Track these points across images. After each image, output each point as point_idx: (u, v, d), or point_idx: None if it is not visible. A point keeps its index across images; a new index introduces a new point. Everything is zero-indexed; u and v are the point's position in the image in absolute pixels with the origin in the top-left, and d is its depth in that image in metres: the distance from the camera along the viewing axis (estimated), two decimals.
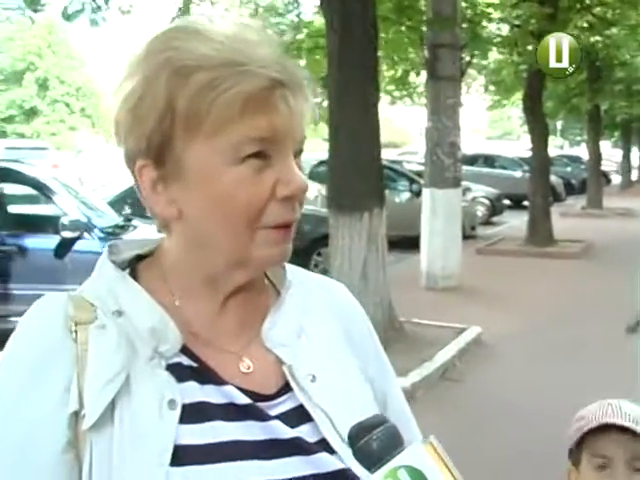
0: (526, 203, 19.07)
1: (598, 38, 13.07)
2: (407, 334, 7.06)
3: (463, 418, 5.47)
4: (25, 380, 0.88)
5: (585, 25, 13.45)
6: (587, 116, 20.23)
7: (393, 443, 0.81)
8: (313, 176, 14.54)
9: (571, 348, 7.04)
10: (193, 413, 0.88)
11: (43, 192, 7.43)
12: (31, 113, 49.26)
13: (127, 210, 8.93)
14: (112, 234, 7.24)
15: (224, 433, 0.89)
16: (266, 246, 0.91)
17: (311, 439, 0.92)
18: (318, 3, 11.37)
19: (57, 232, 6.94)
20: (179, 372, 0.90)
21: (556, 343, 7.23)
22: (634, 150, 31.35)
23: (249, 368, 0.95)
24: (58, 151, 26.65)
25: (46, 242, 7.08)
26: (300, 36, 10.81)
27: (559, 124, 31.32)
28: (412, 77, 14.09)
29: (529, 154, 13.67)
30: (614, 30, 13.13)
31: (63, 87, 50.86)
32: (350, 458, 0.86)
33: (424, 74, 14.40)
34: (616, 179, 30.82)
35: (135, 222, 7.90)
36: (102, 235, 7.09)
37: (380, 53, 7.94)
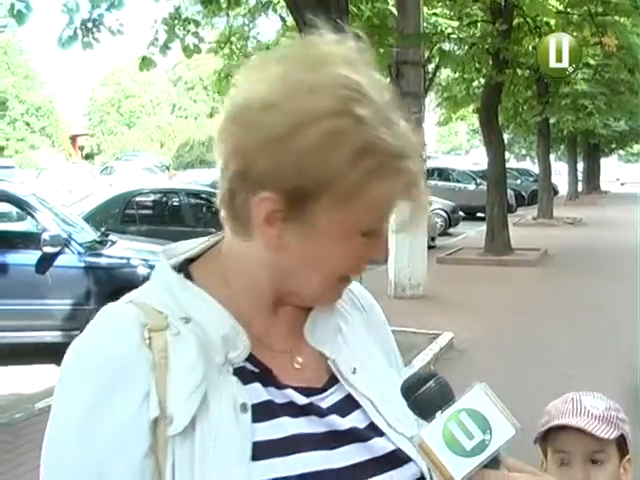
0: (480, 214, 19.60)
1: None
2: None
3: None
4: (106, 387, 0.89)
5: (534, 44, 14.01)
6: (537, 130, 20.92)
7: (447, 391, 0.90)
8: None
9: (536, 349, 7.37)
10: (262, 412, 0.93)
11: (24, 209, 7.47)
12: None
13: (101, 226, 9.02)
14: (91, 249, 7.32)
15: (291, 428, 0.95)
16: (333, 293, 1.01)
17: (361, 425, 1.00)
18: (285, 22, 11.67)
19: (38, 248, 6.97)
20: (244, 375, 0.94)
21: (522, 345, 7.56)
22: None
23: (300, 365, 1.02)
24: (21, 169, 26.37)
25: (27, 258, 7.09)
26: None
27: (505, 138, 32.18)
28: None
29: (478, 167, 14.00)
30: None
31: (22, 106, 50.37)
32: (397, 438, 1.00)
33: None
34: (562, 191, 31.75)
35: (112, 237, 8.01)
36: (82, 250, 7.15)
37: None
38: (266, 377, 0.97)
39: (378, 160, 0.89)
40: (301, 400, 0.97)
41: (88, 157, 53.85)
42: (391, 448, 0.99)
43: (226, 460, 0.89)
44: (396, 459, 0.99)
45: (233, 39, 12.02)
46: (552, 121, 20.22)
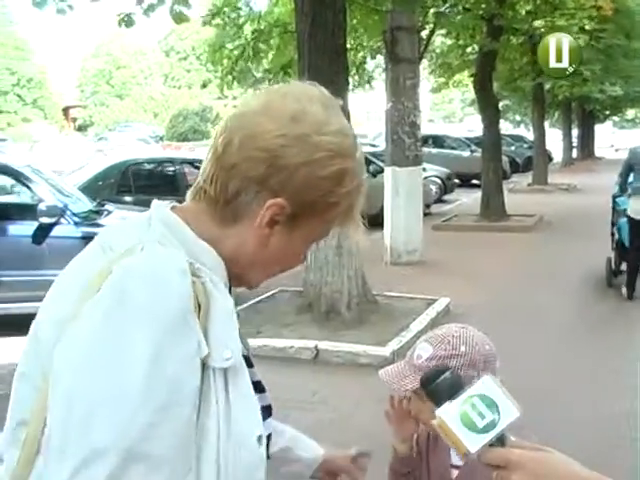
0: (475, 182, 19.59)
1: (542, 22, 13.51)
2: (381, 306, 7.33)
3: None
4: (176, 325, 0.97)
5: (529, 9, 13.90)
6: (532, 96, 20.84)
7: (460, 381, 1.07)
8: None
9: (530, 312, 7.47)
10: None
11: (19, 180, 7.45)
12: None
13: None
14: (87, 219, 7.33)
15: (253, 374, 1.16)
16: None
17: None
18: None
19: (34, 218, 6.98)
20: None
21: (516, 309, 7.64)
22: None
23: None
24: (14, 142, 26.20)
25: (24, 229, 7.11)
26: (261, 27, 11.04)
27: (500, 105, 31.94)
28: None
29: (472, 135, 13.91)
30: (556, 14, 13.59)
31: (13, 78, 49.61)
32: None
33: (378, 58, 14.67)
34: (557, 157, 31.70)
35: (108, 207, 8.01)
36: (78, 220, 7.16)
37: None
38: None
39: (358, 197, 1.14)
40: (244, 352, 1.13)
41: (81, 129, 53.46)
42: (269, 402, 1.21)
43: (249, 392, 1.07)
44: (270, 411, 1.22)
45: (225, 9, 11.92)
46: (547, 87, 20.12)
